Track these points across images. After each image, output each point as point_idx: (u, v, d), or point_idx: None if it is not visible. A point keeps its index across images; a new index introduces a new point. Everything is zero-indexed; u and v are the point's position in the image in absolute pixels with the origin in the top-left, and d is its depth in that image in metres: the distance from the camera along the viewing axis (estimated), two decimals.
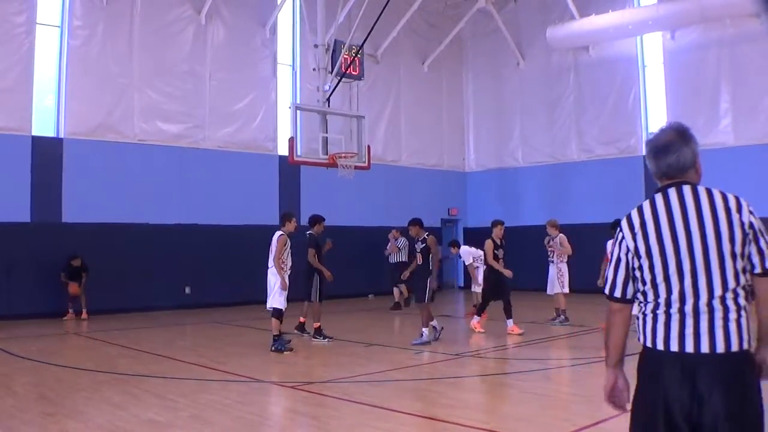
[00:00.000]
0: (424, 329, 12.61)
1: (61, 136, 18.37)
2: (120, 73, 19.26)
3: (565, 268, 15.42)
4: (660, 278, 3.26)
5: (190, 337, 14.87)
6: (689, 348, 3.14)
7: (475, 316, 14.41)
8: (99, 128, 18.84)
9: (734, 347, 3.11)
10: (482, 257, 17.23)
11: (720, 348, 3.10)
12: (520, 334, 13.54)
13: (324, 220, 13.71)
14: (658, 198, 3.39)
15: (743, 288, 3.20)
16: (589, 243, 19.46)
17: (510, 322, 13.86)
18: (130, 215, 18.93)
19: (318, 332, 13.24)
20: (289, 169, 21.48)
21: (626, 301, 3.44)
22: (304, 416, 7.94)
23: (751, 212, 3.23)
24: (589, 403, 7.94)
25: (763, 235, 3.22)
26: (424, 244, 13.02)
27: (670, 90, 22.91)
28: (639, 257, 3.33)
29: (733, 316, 3.14)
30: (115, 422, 7.20)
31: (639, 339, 3.36)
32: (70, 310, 17.40)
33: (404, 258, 18.84)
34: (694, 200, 3.27)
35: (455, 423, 7.03)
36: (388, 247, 19.89)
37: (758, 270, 3.21)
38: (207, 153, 20.72)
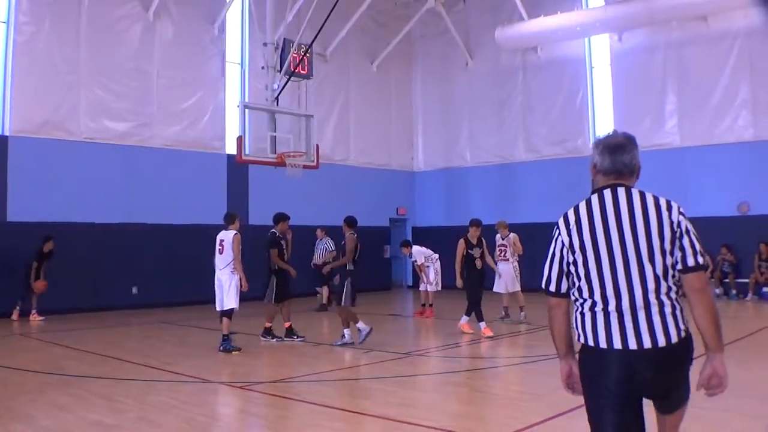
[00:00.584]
0: (345, 330, 12.43)
1: (6, 133, 18.05)
2: (67, 70, 19.00)
3: (517, 267, 15.68)
4: (594, 273, 3.41)
5: (137, 337, 14.72)
6: (632, 345, 3.29)
7: (464, 317, 13.86)
8: (45, 126, 18.56)
9: (674, 339, 3.29)
10: (434, 257, 17.37)
11: (661, 342, 3.28)
12: (490, 337, 13.20)
13: (288, 218, 13.66)
14: (594, 198, 3.53)
15: (675, 284, 3.38)
16: (536, 242, 19.71)
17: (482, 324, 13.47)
18: (77, 214, 18.68)
19: (267, 332, 13.22)
20: (237, 168, 21.41)
21: (561, 295, 3.60)
22: (255, 417, 7.95)
23: (681, 213, 3.41)
24: (538, 401, 8.07)
25: (689, 234, 3.37)
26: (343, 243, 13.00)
27: (617, 91, 23.32)
28: (573, 252, 3.49)
29: (668, 310, 3.32)
30: (62, 424, 7.15)
31: (578, 338, 3.51)
32: (18, 308, 17.14)
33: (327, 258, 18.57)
34: (627, 200, 3.43)
35: (406, 422, 7.10)
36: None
37: (680, 266, 3.36)
38: (154, 151, 20.53)
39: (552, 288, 3.61)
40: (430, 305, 17.09)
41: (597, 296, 3.40)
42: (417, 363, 11.25)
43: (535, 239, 19.95)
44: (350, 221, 13.22)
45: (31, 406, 8.01)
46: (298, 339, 13.08)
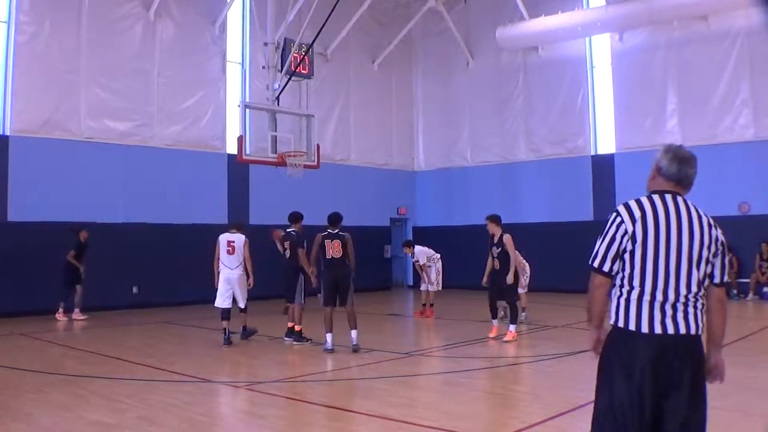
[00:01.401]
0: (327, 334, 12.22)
1: (7, 133, 18.03)
2: (67, 69, 18.97)
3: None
4: (650, 267, 3.71)
5: (138, 337, 14.71)
6: (670, 330, 3.66)
7: (494, 321, 13.36)
8: (45, 126, 18.54)
9: (700, 330, 3.73)
10: (436, 257, 17.36)
11: (692, 330, 3.69)
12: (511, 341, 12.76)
13: (303, 217, 13.53)
14: (657, 198, 3.84)
15: (703, 290, 3.78)
16: (537, 242, 19.73)
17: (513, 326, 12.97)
18: (77, 214, 18.63)
19: (300, 335, 12.87)
20: (237, 168, 21.40)
21: (609, 276, 3.85)
22: (254, 416, 7.92)
23: (721, 236, 3.82)
24: (538, 401, 8.06)
25: (724, 255, 3.84)
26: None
27: (617, 91, 23.28)
28: (635, 242, 3.75)
29: (699, 308, 3.75)
30: (61, 424, 7.15)
31: (614, 321, 3.82)
32: (62, 307, 17.07)
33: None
34: (687, 210, 3.79)
35: (405, 422, 7.09)
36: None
37: (716, 280, 3.82)
38: (155, 151, 20.51)
39: (605, 268, 3.84)
40: (431, 305, 17.08)
41: (648, 287, 3.71)
42: (417, 363, 11.23)
43: (535, 239, 20.11)
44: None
45: (31, 405, 8.01)
46: (308, 342, 12.89)
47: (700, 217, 3.77)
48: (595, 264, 3.85)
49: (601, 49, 24.11)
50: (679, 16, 21.14)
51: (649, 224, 3.72)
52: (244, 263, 13.00)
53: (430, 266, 17.13)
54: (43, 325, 15.87)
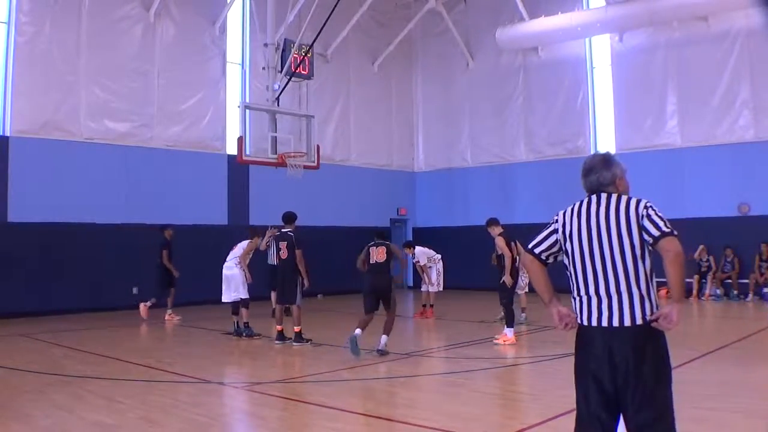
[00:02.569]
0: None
1: (7, 134, 18.03)
2: (67, 70, 18.97)
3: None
4: (578, 262, 4.15)
5: (138, 337, 14.72)
6: (604, 323, 3.98)
7: (509, 329, 12.78)
8: (46, 126, 18.54)
9: (638, 321, 3.93)
10: (436, 258, 17.35)
11: (627, 322, 3.93)
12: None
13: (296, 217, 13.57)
14: (584, 200, 4.26)
15: (645, 274, 4.00)
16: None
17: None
18: (77, 214, 18.65)
19: (300, 336, 12.78)
20: (237, 169, 21.41)
21: (537, 257, 4.36)
22: (254, 417, 7.93)
23: (646, 206, 4.04)
24: (538, 401, 8.07)
25: (650, 216, 4.00)
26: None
27: (617, 91, 23.28)
28: (566, 241, 4.22)
29: (636, 298, 3.96)
30: (62, 424, 7.14)
31: (577, 319, 4.15)
32: (170, 310, 17.15)
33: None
34: (606, 203, 4.14)
35: (405, 422, 7.09)
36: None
37: (650, 241, 3.96)
38: (155, 152, 20.51)
39: (537, 250, 4.36)
40: (431, 306, 17.07)
41: (581, 284, 4.13)
42: (417, 363, 11.22)
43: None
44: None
45: (31, 406, 8.00)
46: (309, 343, 12.89)
47: (618, 205, 4.08)
48: (530, 245, 4.39)
49: (601, 50, 24.11)
50: (679, 17, 21.14)
51: (573, 224, 4.19)
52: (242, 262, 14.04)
53: (430, 267, 17.12)
54: (43, 326, 15.88)
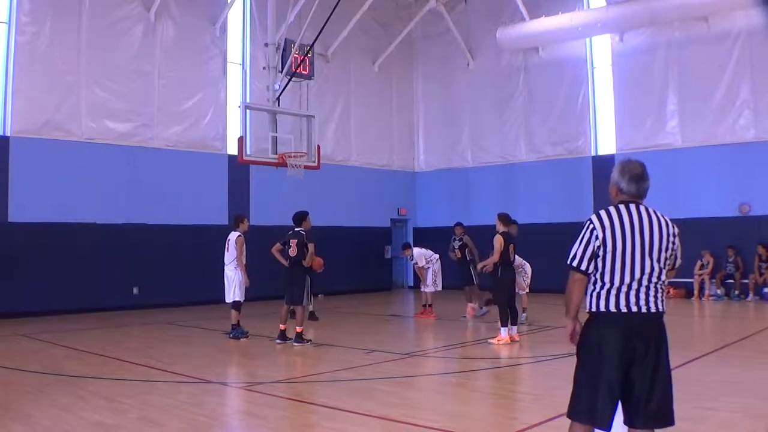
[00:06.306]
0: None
1: (8, 134, 18.03)
2: (68, 70, 18.97)
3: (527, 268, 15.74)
4: (618, 266, 4.54)
5: (138, 337, 14.71)
6: (633, 309, 4.52)
7: (502, 328, 12.71)
8: (46, 126, 18.54)
9: (661, 309, 4.60)
10: (434, 258, 17.32)
11: (653, 309, 4.55)
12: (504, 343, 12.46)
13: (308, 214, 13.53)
14: (623, 208, 4.65)
15: (664, 282, 4.65)
16: (537, 243, 19.69)
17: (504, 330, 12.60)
18: (77, 214, 18.67)
19: (300, 336, 12.73)
20: (238, 169, 21.41)
21: (585, 273, 4.65)
22: (255, 417, 7.91)
23: (675, 229, 4.70)
24: (538, 401, 8.07)
25: (679, 245, 4.72)
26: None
27: (618, 91, 23.29)
28: (605, 248, 4.56)
29: (660, 291, 4.61)
30: (62, 424, 7.14)
31: (588, 309, 4.64)
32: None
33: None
34: (648, 217, 4.61)
35: (406, 422, 7.08)
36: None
37: (676, 265, 4.77)
38: (155, 152, 20.52)
39: (583, 267, 4.64)
40: (430, 306, 17.06)
41: (616, 281, 4.54)
42: (417, 363, 11.22)
43: (536, 240, 20.07)
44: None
45: (32, 406, 7.99)
46: (309, 343, 12.84)
47: (658, 219, 4.62)
48: (574, 263, 4.67)
49: (601, 50, 24.11)
50: (680, 17, 21.11)
51: (616, 231, 4.55)
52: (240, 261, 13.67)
53: (427, 268, 17.09)
54: (43, 326, 15.88)
